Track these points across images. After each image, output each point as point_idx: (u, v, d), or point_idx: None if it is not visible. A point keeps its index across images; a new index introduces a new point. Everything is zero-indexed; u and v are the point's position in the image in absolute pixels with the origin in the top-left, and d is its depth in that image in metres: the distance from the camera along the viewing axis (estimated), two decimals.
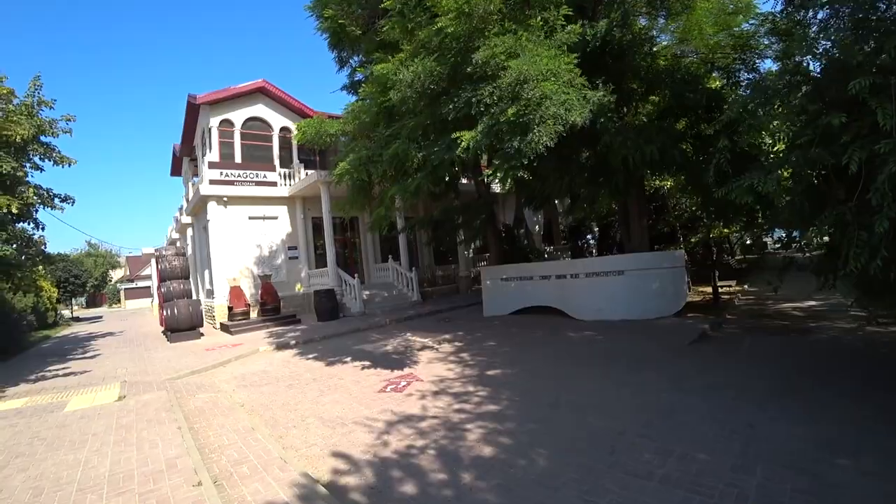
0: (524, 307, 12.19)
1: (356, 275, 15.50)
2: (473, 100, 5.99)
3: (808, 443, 3.76)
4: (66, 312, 34.86)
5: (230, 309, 14.93)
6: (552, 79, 5.48)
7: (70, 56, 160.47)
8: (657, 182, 16.83)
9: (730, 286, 14.33)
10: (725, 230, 17.80)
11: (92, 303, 55.37)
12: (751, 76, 9.57)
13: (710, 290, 12.56)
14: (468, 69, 6.09)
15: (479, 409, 5.27)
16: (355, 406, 5.83)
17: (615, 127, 8.39)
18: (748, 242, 23.88)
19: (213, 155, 17.08)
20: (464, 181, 17.01)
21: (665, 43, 10.66)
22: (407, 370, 7.53)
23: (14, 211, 7.67)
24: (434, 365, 7.73)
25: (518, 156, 5.62)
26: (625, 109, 10.34)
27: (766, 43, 8.69)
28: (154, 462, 4.10)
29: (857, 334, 7.45)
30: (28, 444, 5.00)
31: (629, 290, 10.18)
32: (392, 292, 16.93)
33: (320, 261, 17.71)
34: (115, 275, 57.06)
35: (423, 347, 9.25)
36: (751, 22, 8.84)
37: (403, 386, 6.56)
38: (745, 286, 14.60)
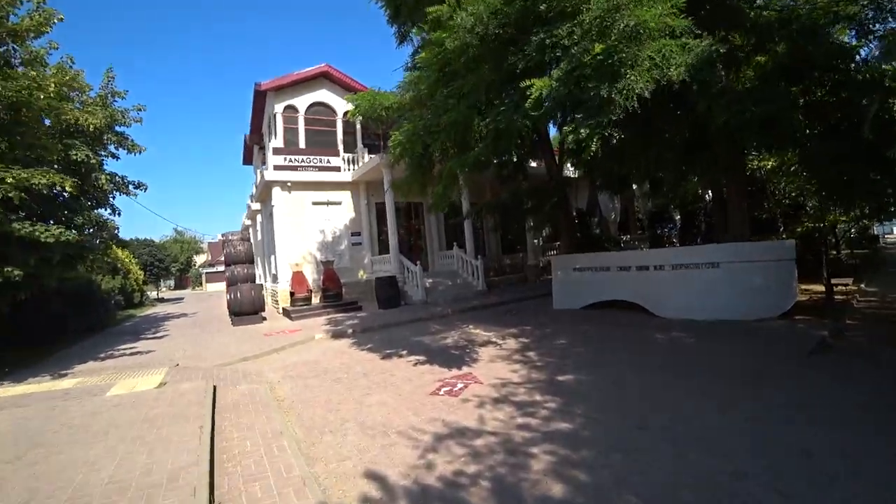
0: (598, 301, 10.93)
1: (418, 262, 14.82)
2: (548, 42, 4.79)
3: None
4: (153, 294, 37.48)
5: (292, 294, 14.81)
6: (650, 7, 4.27)
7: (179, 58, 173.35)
8: (756, 163, 14.80)
9: (846, 284, 12.18)
10: (843, 217, 15.35)
11: (178, 285, 59.64)
12: (884, 26, 7.75)
13: (817, 287, 10.63)
14: (542, 7, 4.94)
15: (547, 426, 4.24)
16: (402, 411, 5.02)
17: (716, 89, 6.96)
18: (853, 234, 20.94)
19: (278, 141, 17.03)
20: (533, 164, 15.83)
21: None
22: (465, 369, 6.63)
23: (69, 190, 7.63)
24: (496, 364, 6.78)
25: (606, 109, 4.45)
26: (723, 74, 8.76)
27: None
28: (158, 471, 3.49)
29: None
30: (54, 432, 4.67)
31: (725, 286, 8.66)
32: (456, 281, 16.10)
33: (384, 247, 17.20)
34: (199, 259, 61.24)
35: (486, 343, 8.32)
36: None
37: (459, 389, 5.67)
38: (862, 284, 12.37)
